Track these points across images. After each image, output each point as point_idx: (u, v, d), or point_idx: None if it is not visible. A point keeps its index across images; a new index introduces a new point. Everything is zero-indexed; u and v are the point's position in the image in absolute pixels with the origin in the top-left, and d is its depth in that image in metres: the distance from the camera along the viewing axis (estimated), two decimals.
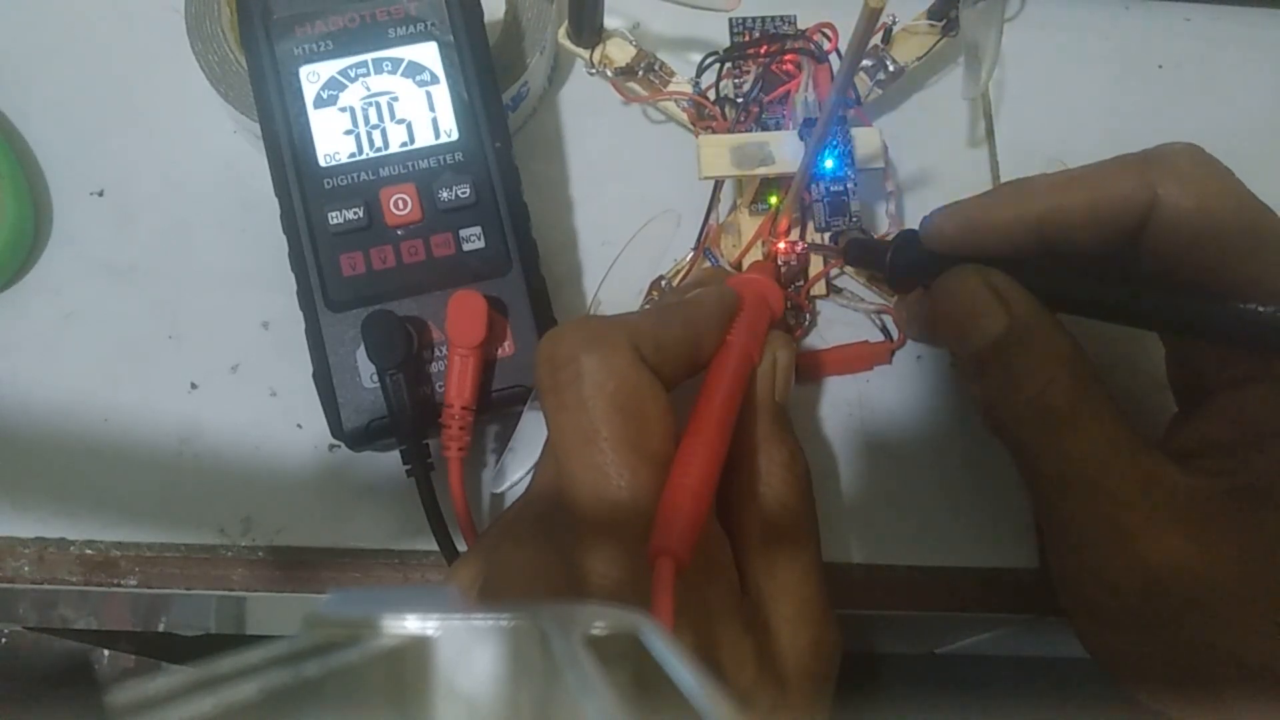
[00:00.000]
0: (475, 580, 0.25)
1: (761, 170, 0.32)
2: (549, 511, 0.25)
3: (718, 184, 0.35)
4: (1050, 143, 0.37)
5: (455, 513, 0.29)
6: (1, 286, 0.34)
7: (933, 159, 0.37)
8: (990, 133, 0.38)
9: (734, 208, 0.35)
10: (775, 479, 0.26)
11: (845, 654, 0.26)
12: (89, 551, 0.32)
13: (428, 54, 0.32)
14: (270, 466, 0.33)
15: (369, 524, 0.32)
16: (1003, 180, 0.37)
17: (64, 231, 0.35)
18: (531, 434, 0.31)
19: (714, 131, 0.34)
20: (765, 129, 0.34)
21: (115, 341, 0.34)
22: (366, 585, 0.32)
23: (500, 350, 0.30)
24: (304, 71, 0.31)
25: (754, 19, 0.35)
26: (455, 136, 0.31)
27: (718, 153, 0.32)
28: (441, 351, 0.30)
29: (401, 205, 0.30)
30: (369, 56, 0.31)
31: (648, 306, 0.34)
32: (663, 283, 0.34)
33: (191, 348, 0.34)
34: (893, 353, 0.35)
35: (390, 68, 0.31)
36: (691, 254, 0.35)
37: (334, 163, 0.31)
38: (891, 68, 0.35)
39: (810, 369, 0.34)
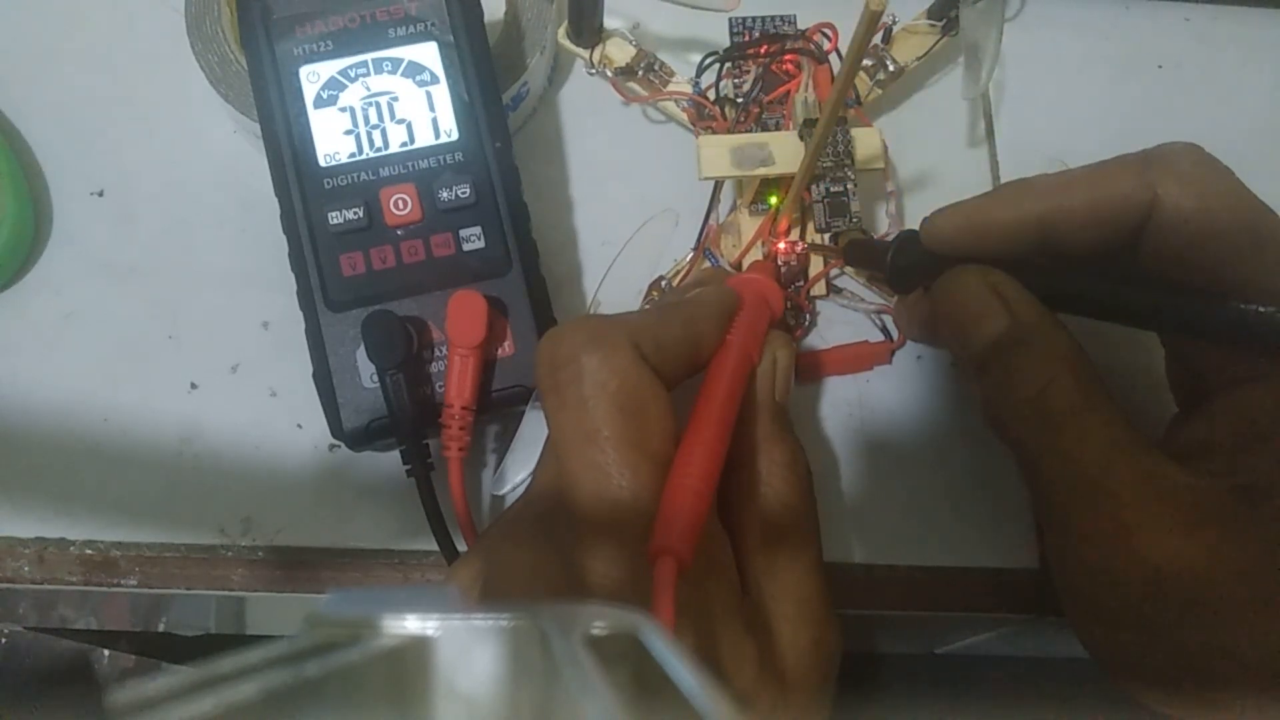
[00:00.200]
0: (475, 580, 0.25)
1: (761, 171, 0.32)
2: (549, 511, 0.25)
3: (717, 184, 0.35)
4: (1050, 143, 0.37)
5: (455, 513, 0.29)
6: (1, 286, 0.34)
7: (933, 159, 0.37)
8: (990, 133, 0.38)
9: (734, 208, 0.35)
10: (776, 478, 0.26)
11: (845, 654, 0.26)
12: (89, 551, 0.32)
13: (428, 54, 0.32)
14: (270, 466, 0.33)
15: (369, 524, 0.32)
16: (1003, 180, 0.37)
17: (64, 231, 0.35)
18: (532, 435, 0.31)
19: (714, 132, 0.34)
20: (765, 129, 0.34)
21: (115, 341, 0.34)
22: (366, 585, 0.32)
23: (500, 350, 0.30)
24: (304, 71, 0.31)
25: (754, 19, 0.35)
26: (455, 136, 0.31)
27: (718, 153, 0.32)
28: (441, 351, 0.30)
29: (401, 205, 0.30)
30: (369, 56, 0.31)
31: (647, 306, 0.34)
32: (662, 283, 0.34)
33: (191, 348, 0.34)
34: (893, 353, 0.35)
35: (390, 68, 0.31)
36: (691, 254, 0.35)
37: (334, 163, 0.31)
38: (891, 68, 0.35)
39: (810, 369, 0.34)
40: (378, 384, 0.29)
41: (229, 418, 0.33)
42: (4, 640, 0.58)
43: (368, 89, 0.31)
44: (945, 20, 0.35)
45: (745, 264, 0.34)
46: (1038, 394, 0.26)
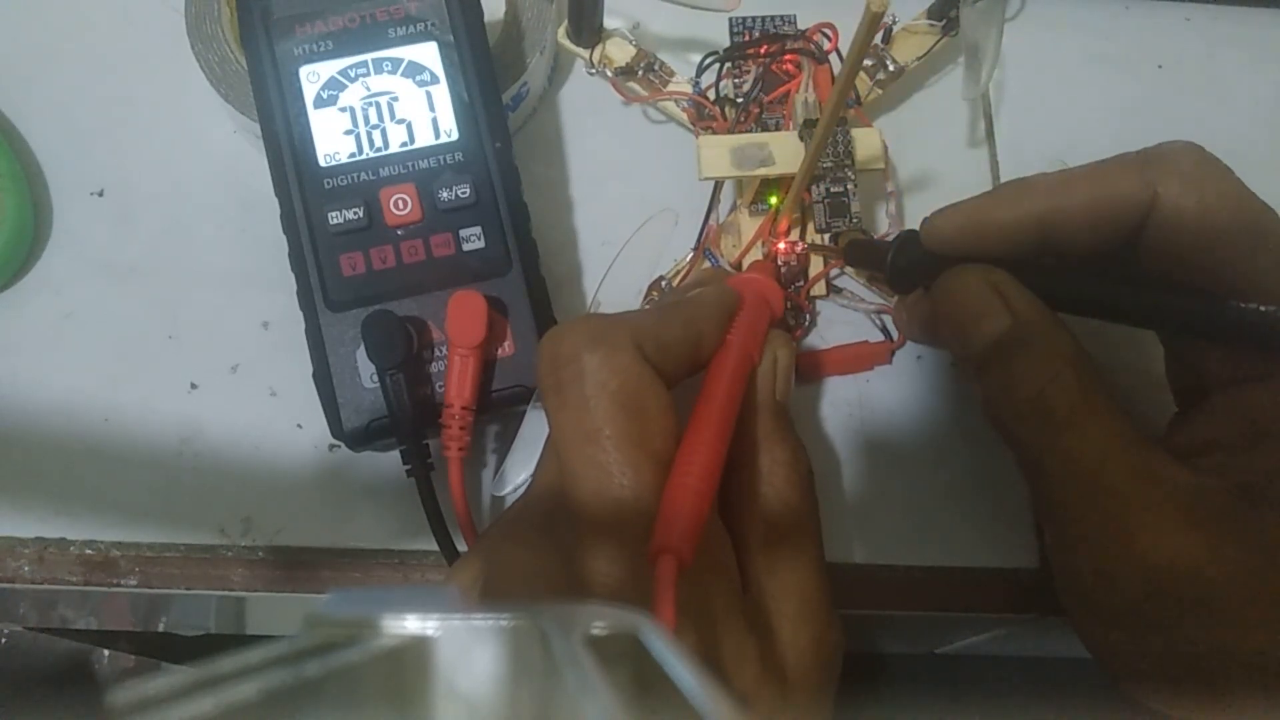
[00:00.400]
0: (476, 580, 0.25)
1: (761, 171, 0.32)
2: (550, 511, 0.25)
3: (717, 184, 0.35)
4: (1050, 143, 0.37)
5: (455, 513, 0.29)
6: (1, 286, 0.34)
7: (933, 159, 0.37)
8: (990, 133, 0.38)
9: (734, 208, 0.35)
10: (777, 478, 0.26)
11: (845, 654, 0.26)
12: (89, 551, 0.32)
13: (428, 54, 0.32)
14: (270, 466, 0.33)
15: (369, 524, 0.32)
16: (1003, 180, 0.37)
17: (64, 231, 0.35)
18: (532, 435, 0.31)
19: (714, 132, 0.34)
20: (765, 129, 0.34)
21: (115, 341, 0.34)
22: (366, 585, 0.32)
23: (500, 350, 0.30)
24: (304, 71, 0.31)
25: (754, 19, 0.35)
26: (455, 136, 0.31)
27: (718, 153, 0.32)
28: (441, 351, 0.30)
29: (401, 205, 0.30)
30: (369, 56, 0.31)
31: (648, 306, 0.34)
32: (662, 283, 0.34)
33: (191, 348, 0.34)
34: (893, 353, 0.35)
35: (390, 68, 0.31)
36: (691, 254, 0.35)
37: (334, 163, 0.31)
38: (891, 67, 0.35)
39: (810, 369, 0.34)
40: (378, 384, 0.29)
41: (229, 418, 0.33)
42: (4, 640, 0.58)
43: (368, 89, 0.31)
44: (945, 20, 0.35)
45: (745, 264, 0.34)
46: (1038, 393, 0.26)
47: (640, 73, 0.35)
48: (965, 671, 0.57)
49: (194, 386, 0.34)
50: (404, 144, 0.31)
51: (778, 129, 0.34)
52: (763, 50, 0.35)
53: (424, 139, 0.31)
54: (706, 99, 0.35)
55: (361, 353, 0.29)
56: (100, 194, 0.36)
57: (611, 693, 0.11)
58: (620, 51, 0.35)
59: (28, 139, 0.36)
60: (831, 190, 0.32)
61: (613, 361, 0.23)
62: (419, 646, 0.13)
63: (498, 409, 0.31)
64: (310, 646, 0.12)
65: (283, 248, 0.31)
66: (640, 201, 0.36)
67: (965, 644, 0.54)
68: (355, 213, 0.30)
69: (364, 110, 0.31)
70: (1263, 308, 0.24)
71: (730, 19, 0.35)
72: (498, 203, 0.31)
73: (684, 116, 0.35)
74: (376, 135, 0.31)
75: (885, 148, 0.33)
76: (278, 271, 0.31)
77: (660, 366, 0.24)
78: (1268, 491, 0.24)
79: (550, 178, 0.37)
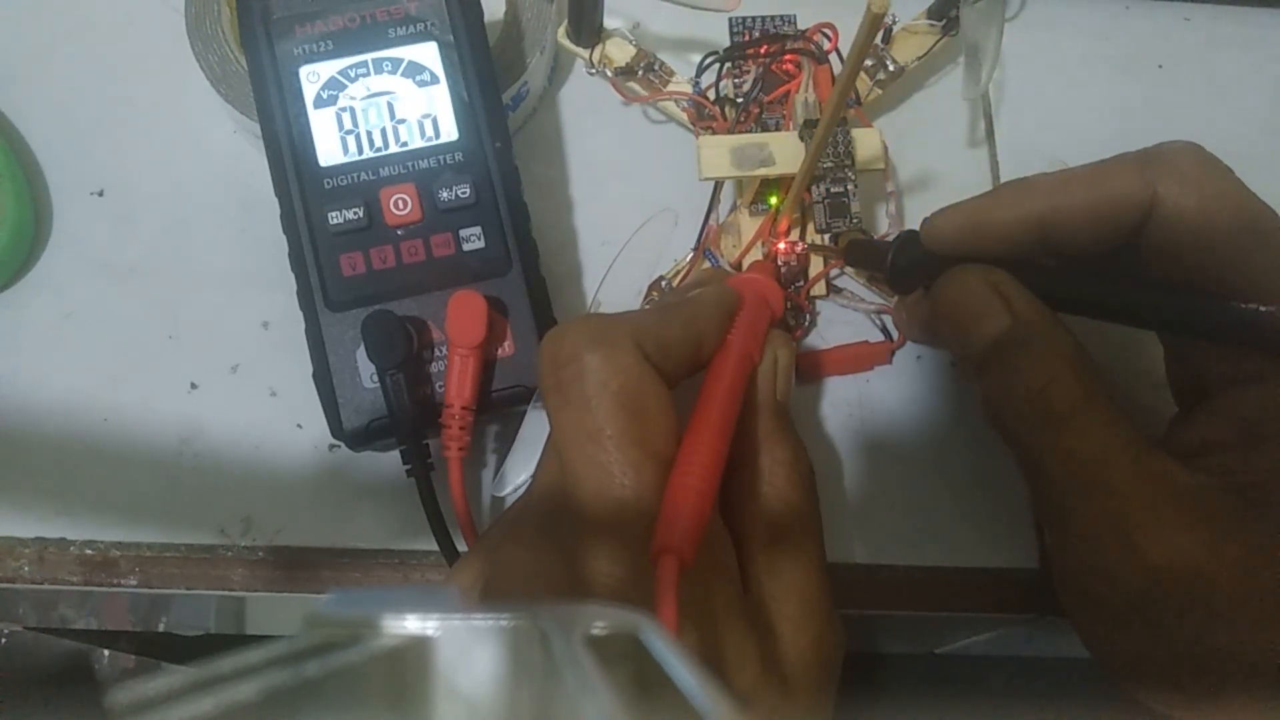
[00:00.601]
0: (476, 581, 0.25)
1: (761, 171, 0.32)
2: (551, 510, 0.25)
3: (717, 184, 0.35)
4: (1050, 143, 0.37)
5: (455, 513, 0.29)
6: (1, 286, 0.34)
7: (933, 159, 0.37)
8: (990, 133, 0.38)
9: (734, 208, 0.35)
10: (779, 477, 0.26)
11: (845, 654, 0.26)
12: (89, 551, 0.32)
13: (428, 54, 0.32)
14: (270, 466, 0.33)
15: (369, 524, 0.32)
16: (1003, 180, 0.37)
17: (64, 231, 0.35)
18: (533, 435, 0.31)
19: (714, 132, 0.34)
20: (765, 129, 0.34)
21: (115, 341, 0.34)
22: (366, 585, 0.32)
23: (500, 350, 0.30)
24: (304, 71, 0.31)
25: (754, 19, 0.35)
26: (455, 136, 0.31)
27: (718, 153, 0.32)
28: (441, 351, 0.30)
29: (401, 205, 0.30)
30: (369, 56, 0.31)
31: (647, 306, 0.34)
32: (662, 283, 0.34)
33: (191, 348, 0.34)
34: (893, 353, 0.35)
35: (390, 68, 0.31)
36: (691, 254, 0.35)
37: (334, 163, 0.31)
38: (891, 67, 0.35)
39: (810, 369, 0.34)
40: (378, 384, 0.29)
41: (229, 418, 0.33)
42: (4, 640, 0.58)
43: (368, 89, 0.31)
44: (945, 20, 0.35)
45: (745, 264, 0.34)
46: (1039, 393, 0.26)
47: (640, 73, 0.35)
48: (965, 671, 0.57)
49: (194, 386, 0.34)
50: (404, 144, 0.31)
51: (778, 129, 0.34)
52: (763, 50, 0.35)
53: (424, 139, 0.31)
54: (706, 99, 0.35)
55: (361, 353, 0.29)
56: (100, 194, 0.36)
57: (611, 693, 0.11)
58: (620, 51, 0.35)
59: (28, 139, 0.36)
60: (831, 190, 0.32)
61: (614, 361, 0.23)
62: (419, 646, 0.13)
63: (498, 409, 0.31)
64: (310, 646, 0.12)
65: (283, 248, 0.31)
66: (640, 201, 0.36)
67: (965, 644, 0.54)
68: (355, 213, 0.30)
69: (364, 110, 0.31)
70: (1263, 308, 0.24)
71: (730, 19, 0.35)
72: (498, 203, 0.31)
73: (684, 116, 0.35)
74: (376, 135, 0.31)
75: (885, 148, 0.33)
76: (278, 271, 0.31)
77: (661, 366, 0.24)
78: (1267, 491, 0.24)
79: (550, 178, 0.37)
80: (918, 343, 0.35)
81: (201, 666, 0.11)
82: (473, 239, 0.31)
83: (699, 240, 0.35)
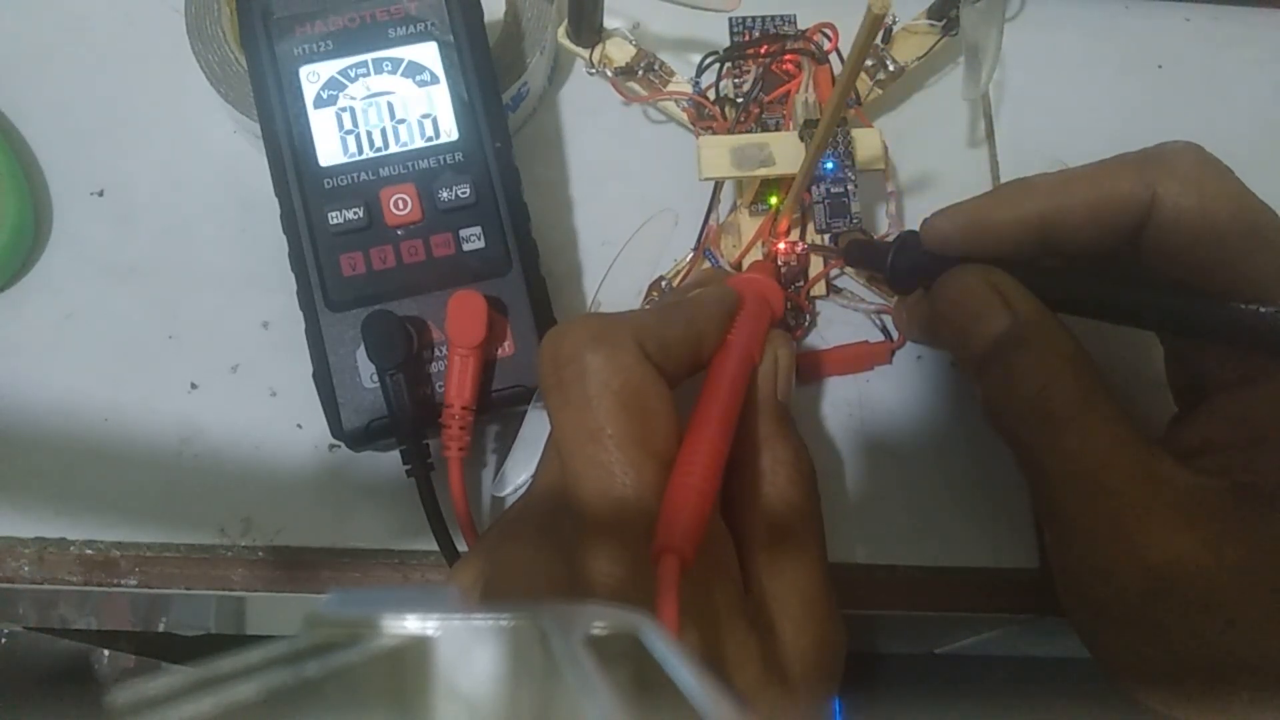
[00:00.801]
0: (477, 581, 0.25)
1: (761, 171, 0.32)
2: (552, 510, 0.25)
3: (717, 184, 0.35)
4: (1050, 143, 0.36)
5: (455, 513, 0.29)
6: (1, 286, 0.34)
7: (933, 159, 0.37)
8: (990, 133, 0.38)
9: (734, 208, 0.35)
10: (780, 477, 0.26)
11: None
12: (89, 551, 0.32)
13: (428, 54, 0.32)
14: (270, 466, 0.33)
15: (369, 524, 0.32)
16: (1003, 180, 0.37)
17: (64, 231, 0.35)
18: (533, 435, 0.31)
19: (714, 132, 0.34)
20: (765, 129, 0.34)
21: (115, 341, 0.34)
22: (366, 585, 0.32)
23: (500, 350, 0.30)
24: (304, 71, 0.31)
25: (754, 19, 0.35)
26: (455, 136, 0.31)
27: (718, 153, 0.32)
28: (441, 351, 0.30)
29: (401, 205, 0.30)
30: (369, 56, 0.31)
31: (648, 306, 0.34)
32: (662, 283, 0.34)
33: (191, 348, 0.34)
34: (893, 353, 0.35)
35: (390, 68, 0.31)
36: (691, 254, 0.35)
37: (334, 163, 0.31)
38: (891, 67, 0.35)
39: (810, 369, 0.34)
40: (378, 384, 0.29)
41: (229, 418, 0.33)
42: (4, 640, 0.58)
43: (368, 89, 0.31)
44: (945, 20, 0.35)
45: (745, 264, 0.34)
46: (1039, 393, 0.26)
47: (640, 73, 0.35)
48: (965, 671, 0.57)
49: (194, 386, 0.34)
50: (404, 144, 0.31)
51: (778, 129, 0.34)
52: (763, 50, 0.35)
53: (424, 139, 0.31)
54: (706, 99, 0.35)
55: (361, 353, 0.29)
56: (100, 194, 0.36)
57: (611, 693, 0.11)
58: (620, 51, 0.35)
59: (28, 139, 0.36)
60: (832, 190, 0.32)
61: (615, 360, 0.23)
62: (419, 646, 0.13)
63: (498, 409, 0.31)
64: (310, 646, 0.12)
65: (283, 248, 0.31)
66: (640, 201, 0.36)
67: (965, 644, 0.54)
68: (355, 213, 0.30)
69: (364, 110, 0.31)
70: (1263, 308, 0.24)
71: (730, 19, 0.35)
72: (498, 203, 0.31)
73: (684, 116, 0.35)
74: (376, 135, 0.31)
75: (885, 148, 0.33)
76: (278, 271, 0.31)
77: (662, 366, 0.24)
78: (1267, 491, 0.24)
79: (550, 178, 0.37)
80: (918, 343, 0.35)
81: (201, 666, 0.11)
82: (473, 239, 0.31)
83: (699, 240, 0.35)
